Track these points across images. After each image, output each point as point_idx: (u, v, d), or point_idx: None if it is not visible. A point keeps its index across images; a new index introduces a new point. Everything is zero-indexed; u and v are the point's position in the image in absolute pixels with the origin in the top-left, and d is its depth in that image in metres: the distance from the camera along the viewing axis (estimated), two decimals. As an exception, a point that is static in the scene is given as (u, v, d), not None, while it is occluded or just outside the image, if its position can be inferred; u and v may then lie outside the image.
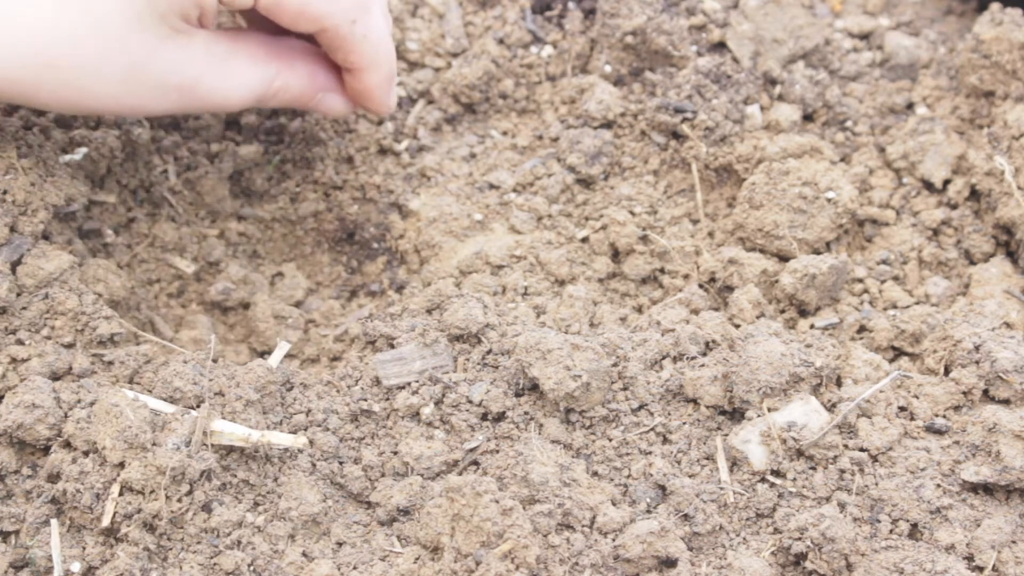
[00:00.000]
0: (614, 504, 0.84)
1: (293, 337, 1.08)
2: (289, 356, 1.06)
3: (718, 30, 1.18)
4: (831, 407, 0.89)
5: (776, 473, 0.87)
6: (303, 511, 0.85)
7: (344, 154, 1.20)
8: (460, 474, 0.87)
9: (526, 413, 0.89)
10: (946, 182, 1.12)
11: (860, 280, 1.07)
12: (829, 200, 1.05)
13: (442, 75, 1.22)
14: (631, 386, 0.89)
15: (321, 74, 1.05)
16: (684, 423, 0.89)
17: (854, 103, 1.18)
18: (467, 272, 1.08)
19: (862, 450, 0.87)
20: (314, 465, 0.88)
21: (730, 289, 1.05)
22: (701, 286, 1.07)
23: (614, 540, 0.81)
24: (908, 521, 0.84)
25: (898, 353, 1.00)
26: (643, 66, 1.18)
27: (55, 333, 0.94)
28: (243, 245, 1.18)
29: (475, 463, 0.88)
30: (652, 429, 0.89)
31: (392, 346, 0.93)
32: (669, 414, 0.89)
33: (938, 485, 0.85)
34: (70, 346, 0.94)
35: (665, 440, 0.89)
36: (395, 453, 0.89)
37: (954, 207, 1.11)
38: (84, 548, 0.82)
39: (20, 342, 0.92)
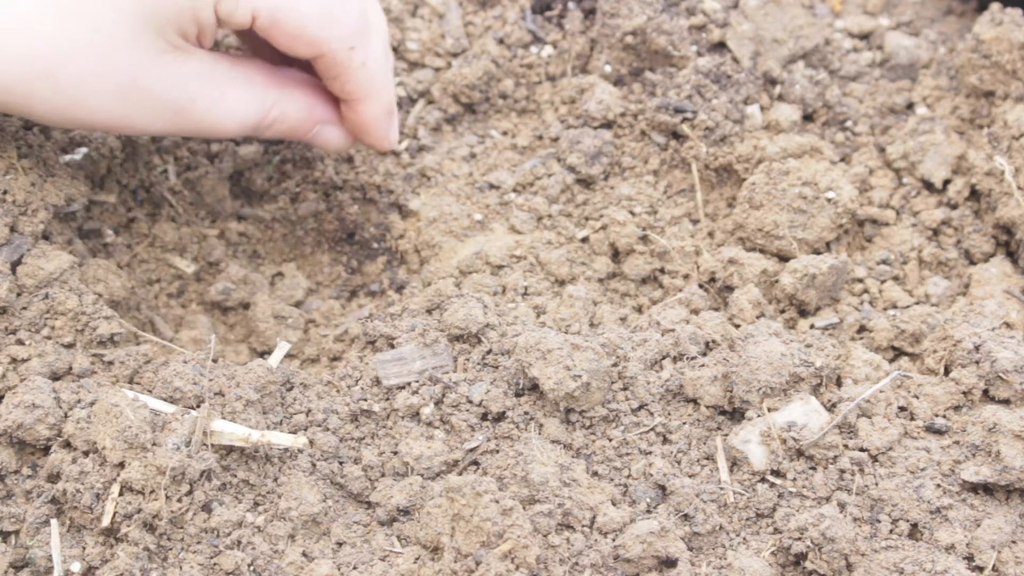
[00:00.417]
0: (614, 504, 0.84)
1: (293, 337, 1.08)
2: (289, 356, 1.06)
3: (718, 30, 1.18)
4: (831, 407, 0.89)
5: (776, 473, 0.87)
6: (303, 511, 0.85)
7: (344, 154, 1.20)
8: (460, 474, 0.87)
9: (526, 413, 0.89)
10: (946, 182, 1.12)
11: (860, 280, 1.07)
12: (829, 200, 1.05)
13: (442, 75, 1.22)
14: (631, 386, 0.89)
15: (319, 106, 1.04)
16: (684, 423, 0.89)
17: (854, 103, 1.18)
18: (467, 272, 1.08)
19: (862, 450, 0.87)
20: (314, 465, 0.88)
21: (730, 289, 1.05)
22: (701, 286, 1.07)
23: (614, 540, 0.81)
24: (908, 521, 0.84)
25: (898, 353, 1.00)
26: (643, 66, 1.18)
27: (55, 333, 0.94)
28: (243, 245, 1.18)
29: (475, 463, 0.88)
30: (652, 429, 0.89)
31: (392, 346, 0.93)
32: (669, 414, 0.89)
33: (938, 485, 0.85)
34: (70, 346, 0.94)
35: (665, 440, 0.89)
36: (395, 453, 0.89)
37: (954, 207, 1.11)
38: (84, 548, 0.82)
39: (20, 342, 0.92)
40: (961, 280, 1.08)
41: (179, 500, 0.82)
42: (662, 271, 1.10)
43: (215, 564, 0.82)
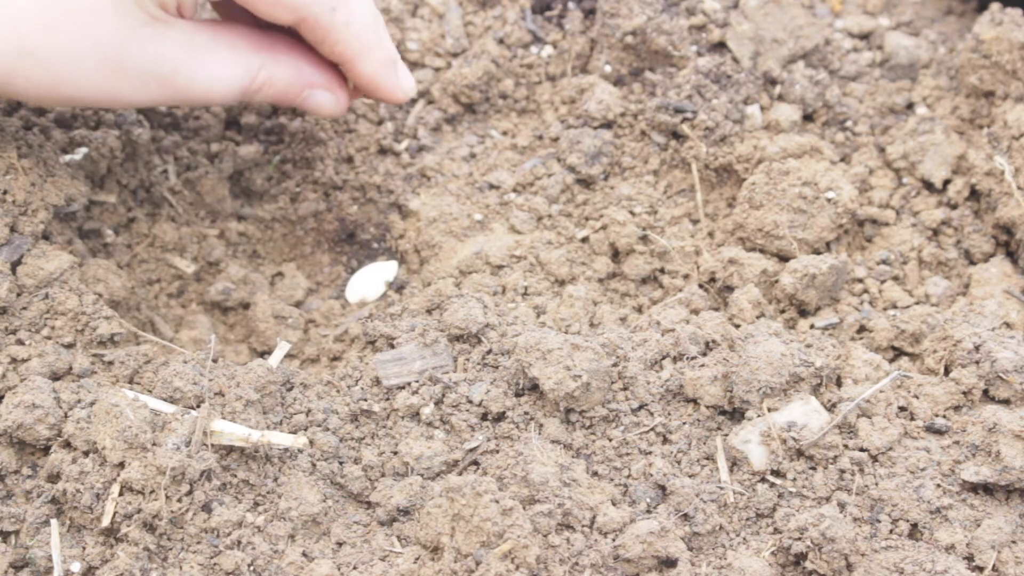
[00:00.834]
0: (614, 504, 0.84)
1: (293, 337, 1.08)
2: (289, 356, 1.06)
3: (718, 30, 1.18)
4: (831, 407, 0.89)
5: (776, 473, 0.87)
6: (303, 511, 0.85)
7: (344, 154, 1.20)
8: (460, 474, 0.87)
9: (526, 413, 0.89)
10: (946, 182, 1.12)
11: (860, 280, 1.07)
12: (829, 200, 1.05)
13: (442, 75, 1.22)
14: (631, 386, 0.89)
15: (308, 68, 1.02)
16: (684, 423, 0.89)
17: (854, 103, 1.18)
18: (467, 272, 1.08)
19: (862, 450, 0.87)
20: (314, 465, 0.88)
21: (730, 289, 1.05)
22: (701, 286, 1.07)
23: (614, 540, 0.81)
24: (908, 521, 0.84)
25: (898, 353, 1.00)
26: (643, 66, 1.18)
27: (55, 333, 0.94)
28: (243, 245, 1.18)
29: (475, 463, 0.88)
30: (652, 429, 0.89)
31: (392, 346, 0.93)
32: (669, 414, 0.89)
33: (938, 485, 0.85)
34: (70, 346, 0.94)
35: (665, 440, 0.89)
36: (395, 453, 0.89)
37: (954, 207, 1.11)
38: (84, 548, 0.82)
39: (20, 342, 0.92)
40: (961, 280, 1.08)
41: (179, 500, 0.82)
42: (662, 271, 1.10)
43: (215, 564, 0.82)
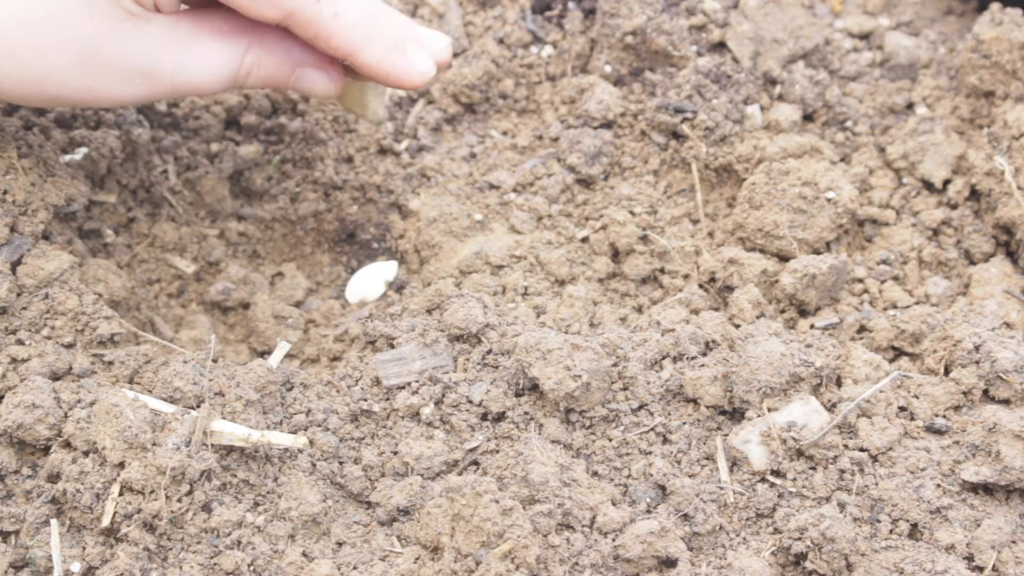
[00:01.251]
0: (614, 504, 0.84)
1: (293, 337, 1.08)
2: (289, 356, 1.06)
3: (718, 30, 1.18)
4: (831, 407, 0.89)
5: (776, 473, 0.87)
6: (303, 511, 0.85)
7: (344, 154, 1.20)
8: (460, 474, 0.87)
9: (526, 413, 0.89)
10: (946, 182, 1.12)
11: (860, 280, 1.07)
12: (829, 200, 1.05)
13: (442, 75, 1.22)
14: (631, 386, 0.89)
15: (297, 48, 0.98)
16: (684, 423, 0.89)
17: (854, 103, 1.18)
18: (467, 272, 1.08)
19: (862, 450, 0.87)
20: (314, 465, 0.88)
21: (730, 289, 1.05)
22: (701, 286, 1.07)
23: (614, 540, 0.81)
24: (908, 521, 0.84)
25: (898, 353, 1.00)
26: (643, 66, 1.18)
27: (55, 333, 0.94)
28: (243, 245, 1.18)
29: (475, 463, 0.88)
30: (652, 429, 0.89)
31: (392, 346, 0.93)
32: (669, 414, 0.89)
33: (938, 485, 0.85)
34: (70, 346, 0.94)
35: (665, 440, 0.89)
36: (395, 453, 0.89)
37: (954, 207, 1.11)
38: (84, 548, 0.82)
39: (20, 342, 0.92)
40: (961, 280, 1.08)
41: (179, 500, 0.82)
42: (662, 271, 1.10)
43: (215, 564, 0.82)
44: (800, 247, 1.05)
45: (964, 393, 0.89)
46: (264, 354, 1.06)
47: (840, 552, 0.80)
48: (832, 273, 1.03)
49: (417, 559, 0.81)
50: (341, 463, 0.88)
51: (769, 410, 0.88)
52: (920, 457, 0.86)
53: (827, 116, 1.17)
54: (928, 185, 1.12)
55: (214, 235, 1.16)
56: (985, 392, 0.90)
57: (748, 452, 0.87)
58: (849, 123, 1.17)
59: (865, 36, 1.23)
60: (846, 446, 0.87)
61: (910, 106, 1.18)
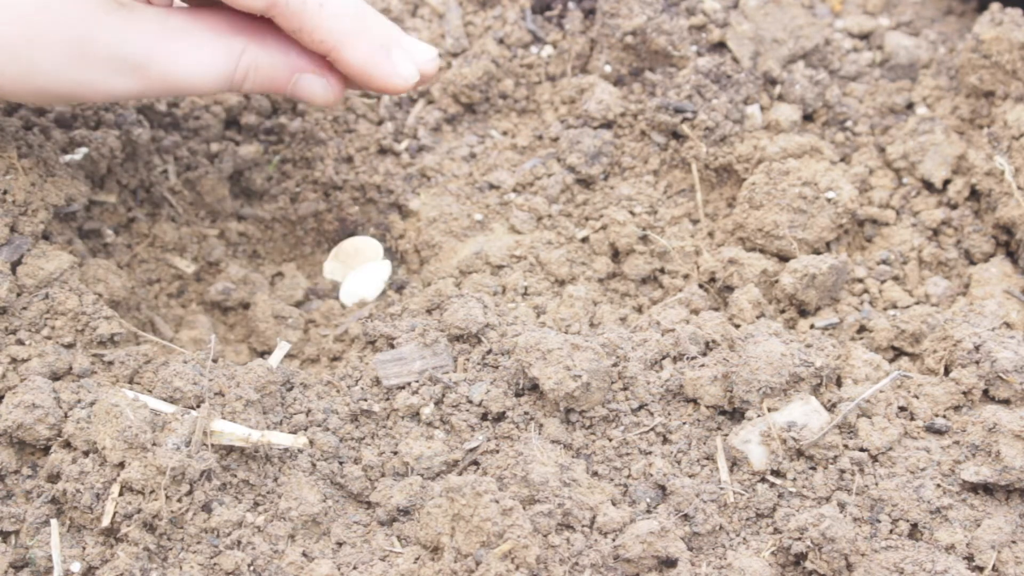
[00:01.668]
0: (614, 504, 0.84)
1: (293, 337, 1.08)
2: (289, 356, 1.06)
3: (718, 30, 1.18)
4: (831, 407, 0.89)
5: (776, 473, 0.87)
6: (303, 511, 0.85)
7: (344, 154, 1.20)
8: (460, 474, 0.87)
9: (526, 413, 0.89)
10: (946, 182, 1.12)
11: (860, 280, 1.07)
12: (829, 200, 1.05)
13: (442, 75, 1.22)
14: (631, 386, 0.89)
15: (295, 51, 0.94)
16: (684, 423, 0.89)
17: (854, 103, 1.18)
18: (467, 272, 1.08)
19: (862, 450, 0.87)
20: (314, 465, 0.88)
21: (730, 289, 1.05)
22: (701, 286, 1.07)
23: (614, 540, 0.81)
24: (908, 521, 0.84)
25: (898, 353, 1.00)
26: (643, 66, 1.18)
27: (55, 333, 0.94)
28: (243, 245, 1.18)
29: (475, 463, 0.88)
30: (652, 429, 0.89)
31: (392, 346, 0.93)
32: (669, 414, 0.89)
33: (938, 485, 0.85)
34: (70, 346, 0.94)
35: (665, 440, 0.89)
36: (395, 453, 0.89)
37: (954, 207, 1.11)
38: (84, 548, 0.82)
39: (20, 342, 0.92)
40: (961, 280, 1.08)
41: (179, 500, 0.82)
42: (662, 271, 1.10)
43: (215, 564, 0.82)
44: (800, 247, 1.05)
45: (964, 393, 0.89)
46: (264, 354, 1.06)
47: (840, 552, 0.80)
48: (832, 273, 1.03)
49: (417, 559, 0.81)
50: (341, 463, 0.88)
51: (769, 410, 0.88)
52: (920, 457, 0.86)
53: (827, 116, 1.17)
54: (928, 185, 1.12)
55: (214, 235, 1.16)
56: (985, 392, 0.90)
57: (748, 452, 0.87)
58: (849, 123, 1.17)
59: (865, 36, 1.23)
60: (846, 446, 0.87)
61: (910, 106, 1.18)
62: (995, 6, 1.13)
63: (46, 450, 0.86)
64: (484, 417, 0.90)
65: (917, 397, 0.90)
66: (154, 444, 0.82)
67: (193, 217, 1.16)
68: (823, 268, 1.02)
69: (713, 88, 1.13)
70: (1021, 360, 0.88)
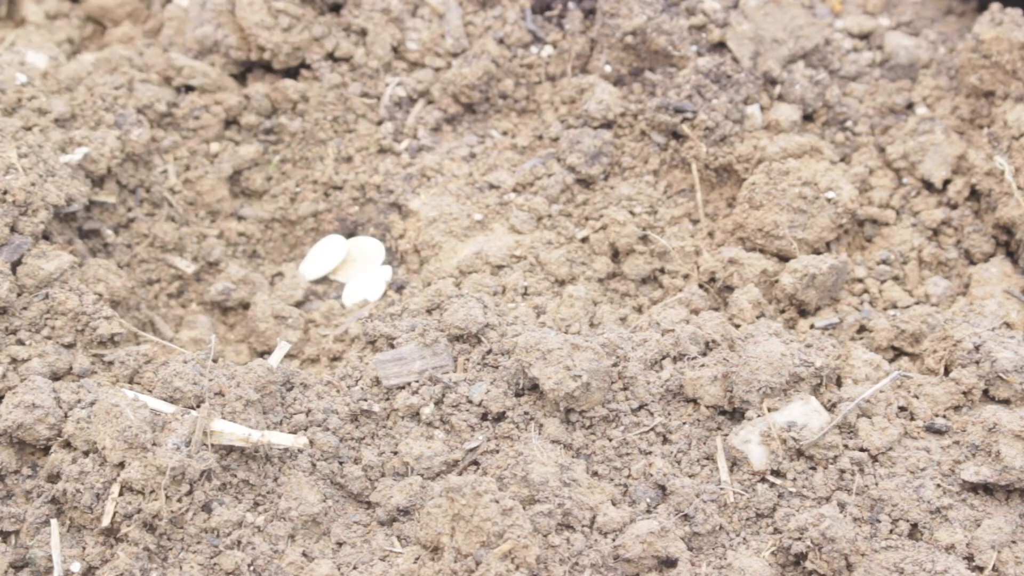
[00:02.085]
0: (614, 504, 0.84)
1: (293, 337, 1.07)
2: (289, 356, 1.06)
3: (718, 30, 1.18)
4: (831, 407, 0.89)
5: (776, 473, 0.87)
6: (303, 511, 0.85)
7: (344, 154, 1.20)
8: (460, 474, 0.87)
9: (526, 413, 0.89)
10: (946, 182, 1.12)
11: (860, 280, 1.07)
12: (829, 200, 1.05)
13: (442, 75, 1.22)
14: (631, 386, 0.89)
15: None
16: (684, 423, 0.89)
17: (854, 103, 1.18)
18: (467, 272, 1.08)
19: (862, 450, 0.87)
20: (314, 465, 0.88)
21: (730, 289, 1.05)
22: (701, 286, 1.07)
23: (614, 540, 0.81)
24: (908, 521, 0.84)
25: (898, 353, 1.00)
26: (643, 66, 1.18)
27: (55, 333, 0.93)
28: (243, 245, 1.18)
29: (475, 463, 0.88)
30: (652, 429, 0.89)
31: (392, 346, 0.93)
32: (669, 414, 0.89)
33: (938, 485, 0.85)
34: (70, 346, 0.94)
35: (665, 440, 0.89)
36: (395, 453, 0.89)
37: (954, 207, 1.11)
38: (84, 548, 0.82)
39: (20, 342, 0.92)
40: (961, 280, 1.08)
41: (179, 500, 0.82)
42: (662, 271, 1.10)
43: (215, 564, 0.82)
44: (800, 247, 1.05)
45: (964, 393, 0.89)
46: (264, 354, 1.06)
47: (840, 552, 0.80)
48: (832, 273, 1.03)
49: (417, 559, 0.81)
50: (341, 463, 0.88)
51: (769, 410, 0.88)
52: (920, 457, 0.86)
53: (827, 116, 1.17)
54: (928, 185, 1.12)
55: (214, 235, 1.16)
56: (985, 392, 0.90)
57: (748, 452, 0.87)
58: (849, 123, 1.17)
59: (865, 36, 1.23)
60: (846, 446, 0.87)
61: (910, 106, 1.18)
62: (995, 6, 1.13)
63: (46, 450, 0.86)
64: (484, 417, 0.90)
65: (917, 397, 0.90)
66: (154, 444, 0.82)
67: (193, 217, 1.16)
68: (823, 268, 1.02)
69: (713, 88, 1.13)
70: (1021, 360, 0.88)
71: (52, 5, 1.29)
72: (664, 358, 0.92)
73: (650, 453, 0.88)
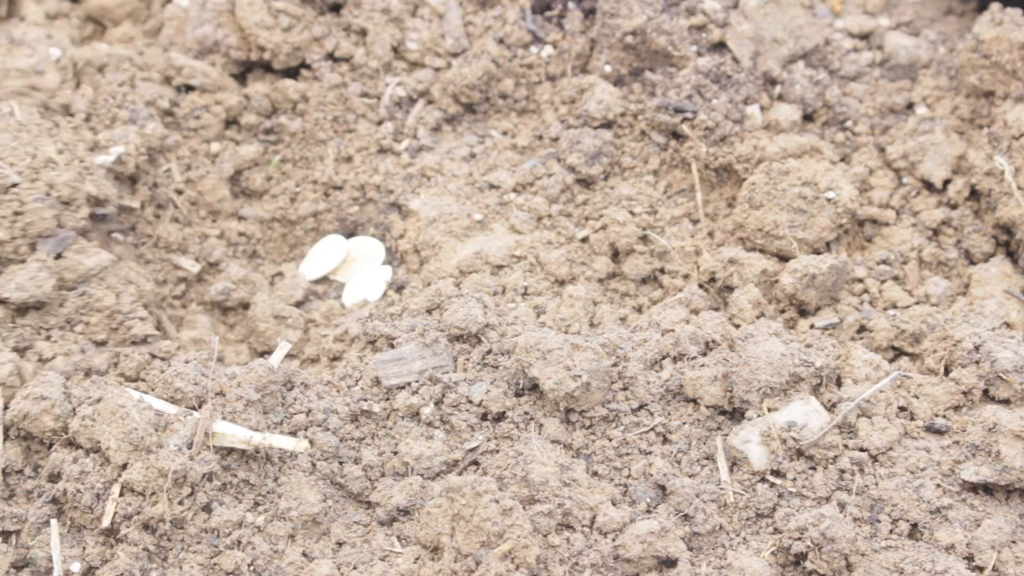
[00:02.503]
0: (614, 504, 0.84)
1: (293, 337, 1.07)
2: (289, 356, 1.06)
3: (718, 30, 1.18)
4: (831, 407, 0.89)
5: (776, 473, 0.87)
6: (303, 511, 0.85)
7: (344, 154, 1.20)
8: (460, 474, 0.87)
9: (526, 413, 0.89)
10: (946, 182, 1.12)
11: (860, 280, 1.07)
12: (829, 200, 1.05)
13: (442, 75, 1.22)
14: (631, 386, 0.89)
15: None
16: (684, 423, 0.89)
17: (854, 103, 1.18)
18: (467, 272, 1.08)
19: (862, 450, 0.87)
20: (314, 465, 0.88)
21: (730, 289, 1.05)
22: (701, 286, 1.07)
23: (614, 540, 0.81)
24: (908, 521, 0.84)
25: (898, 353, 1.00)
26: (643, 66, 1.18)
27: (89, 330, 0.93)
28: (243, 245, 1.18)
29: (475, 463, 0.88)
30: (652, 429, 0.89)
31: (392, 346, 0.93)
32: (669, 414, 0.89)
33: (938, 485, 0.85)
34: (102, 343, 0.93)
35: (665, 440, 0.89)
36: (395, 453, 0.89)
37: (954, 207, 1.11)
38: (84, 548, 0.82)
39: (49, 338, 0.92)
40: (961, 280, 1.08)
41: (180, 503, 0.82)
42: (662, 271, 1.10)
43: (215, 564, 0.82)
44: (800, 247, 1.05)
45: (964, 393, 0.89)
46: (264, 354, 1.06)
47: (840, 552, 0.80)
48: (832, 273, 1.03)
49: (417, 559, 0.81)
50: (341, 463, 0.88)
51: (769, 410, 0.88)
52: (920, 457, 0.86)
53: (827, 116, 1.17)
54: (928, 185, 1.12)
55: (214, 235, 1.16)
56: (985, 392, 0.90)
57: (748, 452, 0.87)
58: (849, 123, 1.17)
59: (865, 36, 1.23)
60: (846, 446, 0.87)
61: (910, 106, 1.18)
62: (995, 6, 1.13)
63: (52, 447, 0.86)
64: (484, 417, 0.90)
65: (917, 397, 0.90)
66: (158, 446, 0.82)
67: (194, 217, 1.16)
68: (823, 268, 1.02)
69: (713, 88, 1.13)
70: (1021, 360, 0.89)
71: (52, 5, 1.29)
72: (664, 358, 0.92)
73: (650, 453, 0.88)
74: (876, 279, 1.07)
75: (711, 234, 1.13)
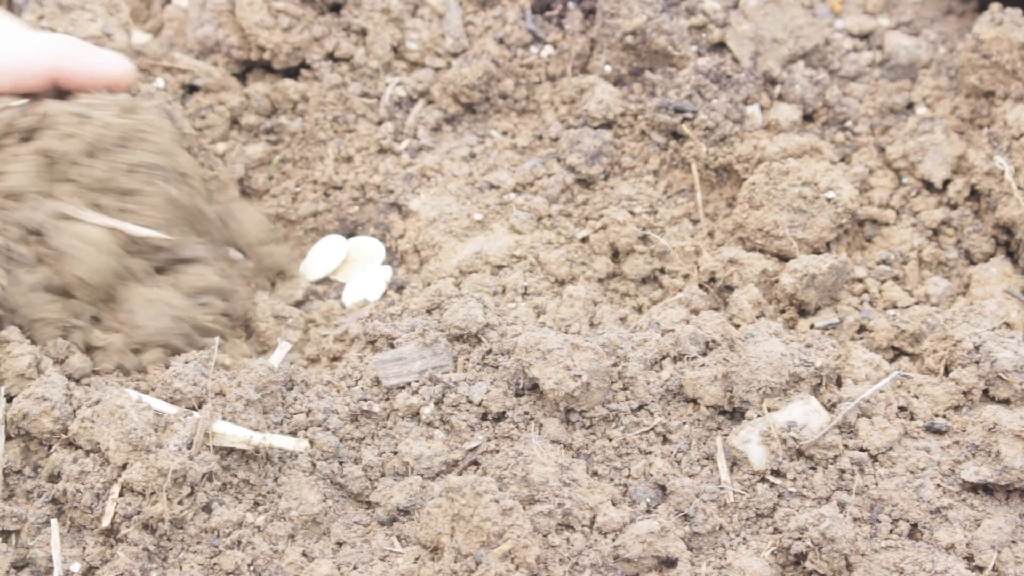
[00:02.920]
0: (614, 504, 0.84)
1: (293, 337, 1.07)
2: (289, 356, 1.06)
3: (718, 30, 1.18)
4: (831, 407, 0.89)
5: (776, 473, 0.87)
6: (303, 511, 0.85)
7: (344, 154, 1.20)
8: (460, 474, 0.87)
9: (526, 413, 0.89)
10: (946, 182, 1.12)
11: (860, 280, 1.07)
12: (829, 200, 1.05)
13: (442, 75, 1.22)
14: (631, 386, 0.89)
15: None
16: (684, 423, 0.89)
17: (854, 103, 1.18)
18: (467, 272, 1.08)
19: (862, 450, 0.87)
20: (314, 465, 0.88)
21: (730, 289, 1.05)
22: (701, 286, 1.07)
23: (614, 540, 0.81)
24: (908, 521, 0.84)
25: (898, 353, 1.00)
26: (643, 66, 1.18)
27: None
28: (243, 245, 1.18)
29: (475, 463, 0.88)
30: (652, 429, 0.89)
31: (392, 346, 0.93)
32: (669, 414, 0.89)
33: (938, 485, 0.85)
34: None
35: (665, 440, 0.89)
36: (395, 453, 0.89)
37: (954, 207, 1.11)
38: (84, 548, 0.82)
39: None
40: (961, 280, 1.08)
41: (180, 503, 0.82)
42: (662, 271, 1.10)
43: (215, 564, 0.82)
44: (800, 247, 1.05)
45: (964, 393, 0.89)
46: (264, 354, 1.06)
47: (840, 552, 0.80)
48: (832, 273, 1.03)
49: (417, 559, 0.81)
50: (341, 463, 0.88)
51: (769, 410, 0.88)
52: (920, 457, 0.86)
53: (827, 116, 1.17)
54: (928, 185, 1.12)
55: (214, 235, 1.16)
56: (985, 392, 0.90)
57: (748, 452, 0.87)
58: (849, 123, 1.17)
59: (865, 36, 1.23)
60: (846, 446, 0.87)
61: (910, 106, 1.18)
62: (995, 6, 1.13)
63: (52, 447, 0.86)
64: (484, 417, 0.90)
65: (917, 397, 0.90)
66: (157, 446, 0.82)
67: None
68: (823, 268, 1.02)
69: (713, 88, 1.13)
70: (1021, 360, 0.89)
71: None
72: (664, 358, 0.92)
73: (650, 453, 0.88)
74: (876, 279, 1.07)
75: (711, 234, 1.13)
